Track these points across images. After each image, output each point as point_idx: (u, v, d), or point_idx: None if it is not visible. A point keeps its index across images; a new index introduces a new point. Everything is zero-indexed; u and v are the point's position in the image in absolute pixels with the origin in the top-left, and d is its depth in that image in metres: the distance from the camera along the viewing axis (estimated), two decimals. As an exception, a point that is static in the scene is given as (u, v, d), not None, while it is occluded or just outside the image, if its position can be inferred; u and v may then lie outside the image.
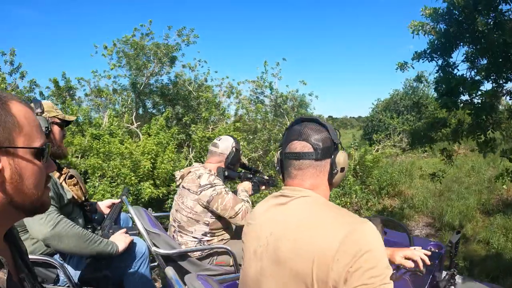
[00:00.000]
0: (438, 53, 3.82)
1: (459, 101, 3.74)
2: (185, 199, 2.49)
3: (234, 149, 2.64)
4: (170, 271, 1.43)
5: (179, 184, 2.63)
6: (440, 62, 3.81)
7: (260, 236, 1.22)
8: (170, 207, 5.97)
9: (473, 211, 7.15)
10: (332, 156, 1.22)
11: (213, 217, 2.46)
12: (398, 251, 1.67)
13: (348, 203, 7.75)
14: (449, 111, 3.68)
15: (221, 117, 7.91)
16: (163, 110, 8.09)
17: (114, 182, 5.77)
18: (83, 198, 2.30)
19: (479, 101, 3.56)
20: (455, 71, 3.79)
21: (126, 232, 2.20)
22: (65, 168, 2.28)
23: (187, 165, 7.10)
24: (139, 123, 7.67)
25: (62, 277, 1.99)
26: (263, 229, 1.22)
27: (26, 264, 0.88)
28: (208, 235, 2.48)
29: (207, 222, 2.45)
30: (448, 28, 3.48)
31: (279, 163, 1.32)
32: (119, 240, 2.08)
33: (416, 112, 15.63)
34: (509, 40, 2.72)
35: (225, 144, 2.65)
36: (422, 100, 15.59)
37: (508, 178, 3.18)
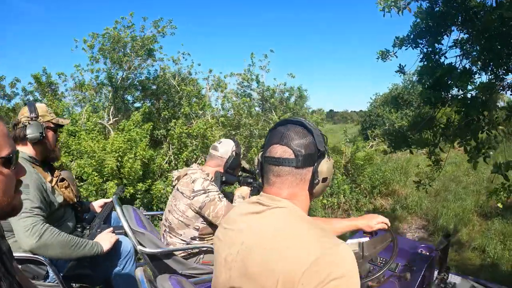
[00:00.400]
0: (425, 39, 3.30)
1: (447, 95, 3.16)
2: (178, 201, 2.46)
3: (234, 153, 2.61)
4: (138, 272, 1.45)
5: (175, 185, 2.60)
6: (426, 49, 3.27)
7: (232, 243, 1.16)
8: (143, 206, 5.68)
9: (469, 213, 6.67)
10: (315, 164, 1.14)
11: (204, 222, 2.44)
12: (371, 219, 1.81)
13: (335, 204, 7.26)
14: (434, 108, 3.17)
15: (202, 111, 7.45)
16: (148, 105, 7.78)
17: (79, 181, 5.40)
18: (74, 200, 2.37)
19: (472, 96, 2.98)
20: (443, 59, 3.22)
21: (113, 232, 2.29)
22: (57, 171, 2.35)
23: (166, 162, 6.71)
24: (116, 118, 7.32)
25: (51, 273, 2.09)
26: (236, 237, 1.15)
27: (2, 263, 0.89)
28: (197, 239, 2.47)
29: (197, 227, 2.44)
30: (433, 7, 2.95)
31: (259, 166, 1.26)
32: (104, 239, 2.17)
33: (395, 110, 14.91)
34: (506, 14, 2.18)
35: (225, 148, 2.62)
36: (404, 95, 14.87)
37: (505, 195, 2.58)
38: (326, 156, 1.17)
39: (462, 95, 3.10)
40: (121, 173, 5.48)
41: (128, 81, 7.60)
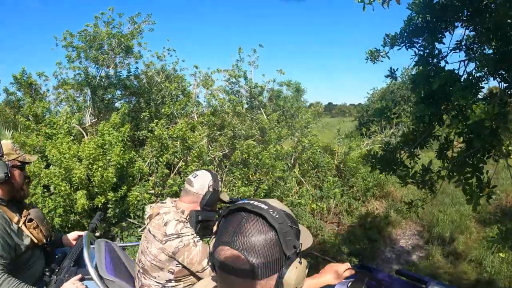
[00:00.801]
0: (421, 37, 2.84)
1: (446, 111, 2.61)
2: (150, 244, 2.25)
3: (211, 188, 2.35)
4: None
5: (147, 224, 2.37)
6: (422, 51, 2.74)
7: None
8: (113, 218, 5.30)
9: (467, 220, 6.32)
10: (281, 272, 0.87)
11: (179, 265, 2.23)
12: (332, 269, 1.73)
13: (325, 209, 6.87)
14: (428, 127, 2.75)
15: (184, 111, 7.05)
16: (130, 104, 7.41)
17: (47, 192, 5.07)
18: (44, 241, 2.26)
19: (473, 119, 2.17)
20: (443, 63, 2.71)
21: (82, 278, 2.14)
22: (25, 211, 2.23)
23: (147, 165, 6.33)
24: (95, 120, 6.95)
25: None
26: None
27: None
28: (173, 281, 2.26)
29: (172, 271, 2.22)
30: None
31: (212, 258, 0.96)
32: None
33: (394, 106, 14.05)
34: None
35: (200, 183, 2.35)
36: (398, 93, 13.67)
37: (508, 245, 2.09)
38: (296, 260, 0.90)
39: (465, 114, 2.62)
40: (91, 182, 5.11)
41: (108, 80, 7.22)
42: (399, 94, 17.01)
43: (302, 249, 0.96)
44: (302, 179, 7.45)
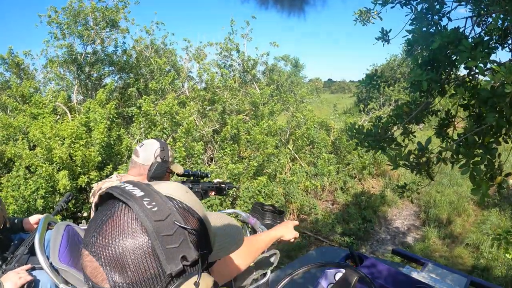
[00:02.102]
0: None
1: (448, 78, 2.22)
2: None
3: (158, 158, 2.13)
4: None
5: (92, 202, 2.17)
6: (420, 5, 2.28)
7: None
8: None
9: (465, 202, 6.08)
10: None
11: None
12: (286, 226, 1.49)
13: (319, 187, 6.63)
14: (425, 96, 2.42)
15: (172, 86, 6.74)
16: (117, 81, 7.26)
17: (29, 174, 4.88)
18: None
19: (485, 87, 1.85)
20: (445, 21, 2.27)
21: (32, 268, 2.01)
22: None
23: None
24: (82, 98, 6.75)
25: None
26: None
27: None
28: None
29: None
30: None
31: None
32: (9, 281, 1.91)
33: (393, 82, 13.40)
34: None
35: (146, 153, 2.13)
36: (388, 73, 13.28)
37: None
38: (189, 280, 0.58)
39: (469, 79, 2.27)
40: (73, 161, 4.87)
41: (95, 56, 6.92)
42: (399, 71, 16.49)
43: (211, 260, 0.68)
44: (296, 156, 7.20)
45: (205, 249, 0.62)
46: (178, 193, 0.65)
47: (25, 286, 1.94)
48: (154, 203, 0.59)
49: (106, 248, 0.56)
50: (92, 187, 2.19)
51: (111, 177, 2.17)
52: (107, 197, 0.63)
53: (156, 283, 0.56)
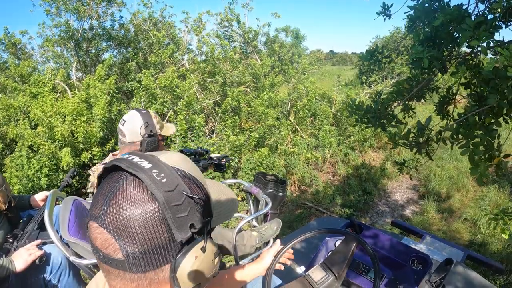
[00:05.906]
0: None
1: (450, 56, 2.15)
2: None
3: (146, 136, 2.05)
4: None
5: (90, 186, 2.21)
6: None
7: None
8: None
9: (464, 177, 6.09)
10: (174, 262, 0.61)
11: None
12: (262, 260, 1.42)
13: (320, 159, 6.64)
14: (428, 74, 2.37)
15: (171, 59, 6.63)
16: (115, 56, 7.21)
17: (32, 153, 4.88)
18: (3, 207, 2.15)
19: (490, 66, 1.63)
20: None
21: (42, 243, 2.07)
22: None
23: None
24: (81, 74, 6.72)
25: None
26: None
27: None
28: None
29: None
30: None
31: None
32: (20, 258, 1.96)
33: (396, 55, 13.08)
34: None
35: (131, 131, 2.05)
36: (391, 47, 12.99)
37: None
38: (197, 245, 0.63)
39: (472, 57, 2.21)
40: (76, 138, 4.89)
41: (92, 32, 6.79)
42: (402, 44, 16.05)
43: (213, 226, 0.70)
44: (297, 127, 7.18)
45: (209, 216, 0.67)
46: (181, 163, 0.68)
47: (37, 260, 2.00)
48: (162, 174, 0.61)
49: (117, 219, 0.58)
50: (90, 176, 2.19)
51: (105, 160, 2.15)
52: (111, 169, 0.65)
53: (168, 250, 0.60)
